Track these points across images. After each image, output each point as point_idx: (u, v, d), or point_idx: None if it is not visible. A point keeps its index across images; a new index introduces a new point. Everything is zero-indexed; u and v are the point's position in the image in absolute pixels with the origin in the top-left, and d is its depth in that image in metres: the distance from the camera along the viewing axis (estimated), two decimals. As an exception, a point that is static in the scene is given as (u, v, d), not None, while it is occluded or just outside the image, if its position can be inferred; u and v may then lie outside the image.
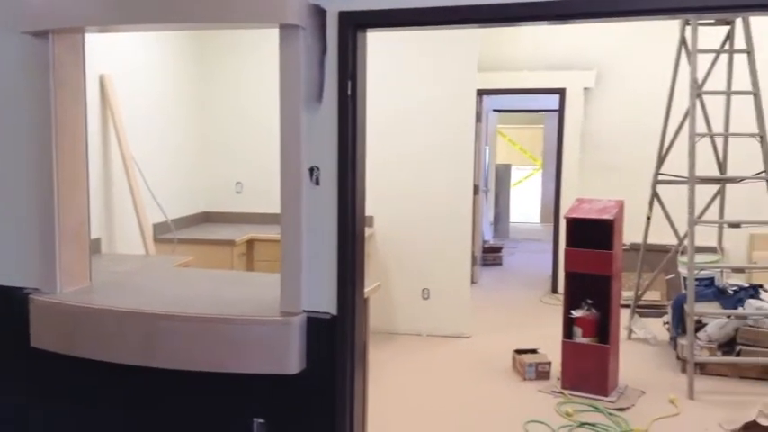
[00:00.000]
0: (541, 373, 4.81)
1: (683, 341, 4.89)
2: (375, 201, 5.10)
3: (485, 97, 7.84)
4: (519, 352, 5.00)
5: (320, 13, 2.58)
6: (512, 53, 7.28)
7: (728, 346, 4.90)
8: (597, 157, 7.25)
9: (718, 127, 5.49)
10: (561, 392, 4.56)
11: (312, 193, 2.65)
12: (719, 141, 5.58)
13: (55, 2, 2.74)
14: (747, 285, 5.29)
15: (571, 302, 4.66)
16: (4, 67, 2.96)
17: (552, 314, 5.90)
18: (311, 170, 2.65)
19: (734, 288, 5.17)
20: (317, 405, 2.71)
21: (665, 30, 5.83)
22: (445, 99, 5.68)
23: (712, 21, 5.29)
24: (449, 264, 5.80)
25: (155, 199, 4.71)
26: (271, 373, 2.67)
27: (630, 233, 5.44)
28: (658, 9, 2.32)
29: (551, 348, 4.87)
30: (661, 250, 5.75)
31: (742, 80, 5.18)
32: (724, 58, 5.42)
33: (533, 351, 5.01)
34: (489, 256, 9.04)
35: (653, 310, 6.23)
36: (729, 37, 5.32)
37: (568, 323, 4.64)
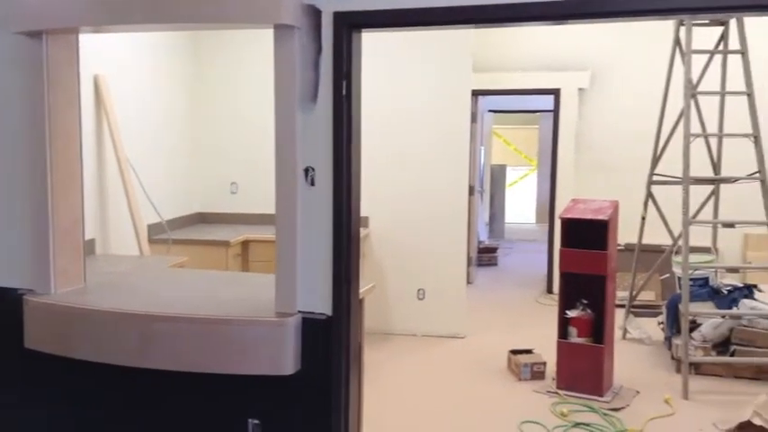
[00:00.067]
0: (536, 373, 4.82)
1: (677, 341, 4.90)
2: (370, 201, 5.10)
3: (480, 98, 7.86)
4: (514, 352, 5.01)
5: (315, 14, 2.58)
6: (506, 54, 7.29)
7: (723, 345, 4.91)
8: (592, 157, 7.27)
9: (712, 127, 5.51)
10: (556, 393, 4.56)
11: (307, 194, 2.65)
12: (714, 142, 5.59)
13: (49, 2, 2.73)
14: (742, 285, 5.31)
15: (566, 303, 4.66)
16: (-2, 67, 2.95)
17: (547, 314, 5.91)
18: (306, 170, 2.64)
19: (728, 288, 5.19)
20: (312, 406, 2.70)
21: (660, 30, 5.85)
22: (440, 100, 5.68)
23: (707, 21, 5.30)
24: (444, 264, 5.80)
25: (149, 199, 4.69)
26: (266, 373, 2.66)
27: (625, 233, 5.46)
28: (653, 10, 2.33)
29: (546, 348, 4.88)
30: (656, 250, 5.75)
31: (736, 81, 5.20)
32: (718, 58, 5.44)
33: (528, 351, 5.02)
34: (485, 256, 9.05)
35: (648, 310, 6.23)
36: (724, 38, 5.33)
37: (563, 323, 4.65)
